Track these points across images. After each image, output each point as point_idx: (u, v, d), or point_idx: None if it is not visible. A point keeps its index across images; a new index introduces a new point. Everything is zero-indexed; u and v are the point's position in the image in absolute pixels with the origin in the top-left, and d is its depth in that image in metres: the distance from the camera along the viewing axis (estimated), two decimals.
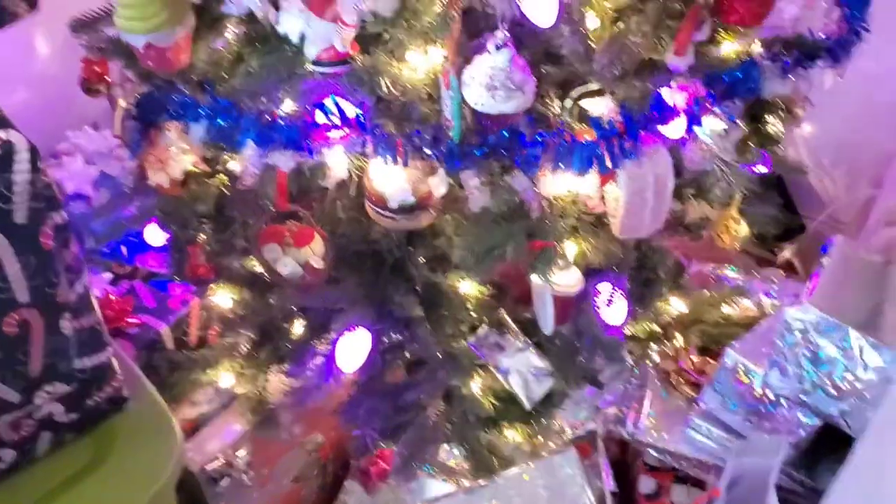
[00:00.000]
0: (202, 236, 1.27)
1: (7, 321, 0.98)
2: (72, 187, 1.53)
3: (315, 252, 1.13)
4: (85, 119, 1.65)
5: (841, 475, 1.05)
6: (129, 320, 1.42)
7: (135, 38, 1.00)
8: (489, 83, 0.94)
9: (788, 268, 1.92)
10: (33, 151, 0.92)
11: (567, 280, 1.18)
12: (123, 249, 1.49)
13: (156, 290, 1.49)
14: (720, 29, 1.15)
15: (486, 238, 1.06)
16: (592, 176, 1.07)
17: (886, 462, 0.94)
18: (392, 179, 1.04)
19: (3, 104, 1.74)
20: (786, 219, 1.82)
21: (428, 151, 1.00)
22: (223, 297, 1.40)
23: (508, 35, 0.93)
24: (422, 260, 1.29)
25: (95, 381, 1.15)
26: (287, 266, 1.11)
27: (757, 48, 1.21)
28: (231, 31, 1.04)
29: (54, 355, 1.06)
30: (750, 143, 1.28)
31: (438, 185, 1.05)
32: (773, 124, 1.29)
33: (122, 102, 1.22)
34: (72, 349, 1.09)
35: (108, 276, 1.50)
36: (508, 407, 1.35)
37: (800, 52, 1.19)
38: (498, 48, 0.93)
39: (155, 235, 1.37)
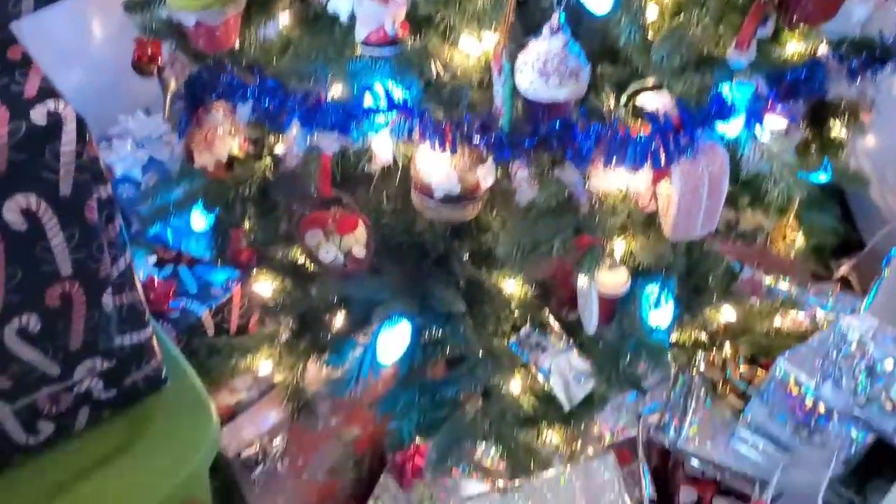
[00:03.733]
0: (246, 221, 1.26)
1: (50, 293, 0.99)
2: (121, 170, 1.55)
3: (358, 240, 1.12)
4: (137, 104, 1.67)
5: (893, 491, 1.00)
6: (171, 304, 1.43)
7: (185, 15, 1.00)
8: (542, 68, 0.91)
9: (844, 285, 1.85)
10: (81, 123, 0.92)
11: (614, 280, 1.15)
12: (169, 234, 1.49)
13: (199, 275, 1.49)
14: (785, 28, 1.11)
15: (532, 233, 1.03)
16: (645, 173, 1.04)
17: None
18: (438, 168, 1.02)
19: (56, 85, 1.77)
20: (844, 232, 1.76)
21: (476, 139, 0.98)
22: (264, 286, 1.39)
23: (564, 19, 0.90)
24: (466, 256, 1.27)
25: (135, 359, 1.16)
26: (329, 253, 1.09)
27: (823, 49, 1.16)
28: (283, 13, 1.03)
29: (95, 330, 1.07)
30: (812, 147, 1.24)
31: (486, 175, 1.03)
32: (837, 129, 1.24)
33: (172, 84, 1.22)
34: (112, 325, 1.09)
35: (152, 259, 1.51)
36: (547, 408, 1.32)
37: (868, 55, 1.14)
38: (553, 32, 0.91)
39: (200, 221, 1.37)
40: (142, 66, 1.29)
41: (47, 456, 1.15)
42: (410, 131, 0.99)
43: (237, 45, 1.07)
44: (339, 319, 1.34)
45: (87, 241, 0.98)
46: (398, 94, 1.00)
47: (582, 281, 1.10)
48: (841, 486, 1.22)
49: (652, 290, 1.19)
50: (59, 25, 1.48)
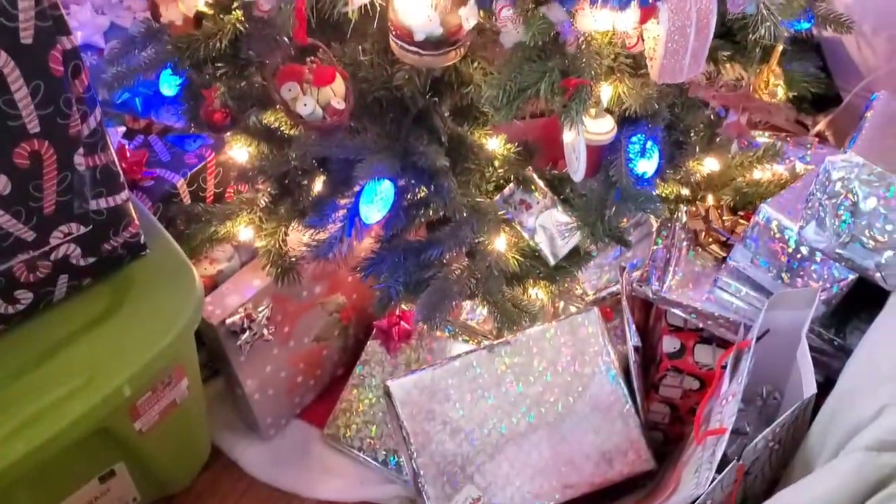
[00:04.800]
0: (217, 82, 1.21)
1: (18, 152, 0.95)
2: (81, 37, 1.47)
3: (336, 92, 1.08)
4: None
5: (874, 325, 1.02)
6: (144, 173, 1.39)
7: None
8: None
9: (821, 141, 1.86)
10: None
11: (600, 128, 1.13)
12: (137, 103, 1.44)
13: (171, 144, 1.45)
14: None
15: (519, 75, 1.00)
16: (632, 11, 1.00)
17: None
18: (418, 8, 0.98)
19: None
20: (822, 86, 1.75)
21: None
22: (239, 151, 1.36)
23: None
24: (447, 112, 1.24)
25: (112, 224, 1.13)
26: (307, 106, 1.06)
27: None
28: None
29: (68, 193, 1.04)
30: None
31: (468, 16, 0.99)
32: None
33: None
34: (86, 188, 1.06)
35: (121, 130, 1.46)
36: (533, 264, 1.32)
37: None
38: None
39: (169, 85, 1.32)
40: None
41: (30, 326, 1.14)
42: None
43: None
44: (318, 183, 1.32)
45: (53, 95, 0.94)
46: None
47: (569, 129, 1.08)
48: (822, 329, 1.25)
49: (638, 138, 1.17)
50: None
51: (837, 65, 1.92)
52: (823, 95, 1.82)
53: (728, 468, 1.01)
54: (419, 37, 1.00)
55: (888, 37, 1.85)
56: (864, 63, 1.90)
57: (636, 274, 1.40)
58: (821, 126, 1.84)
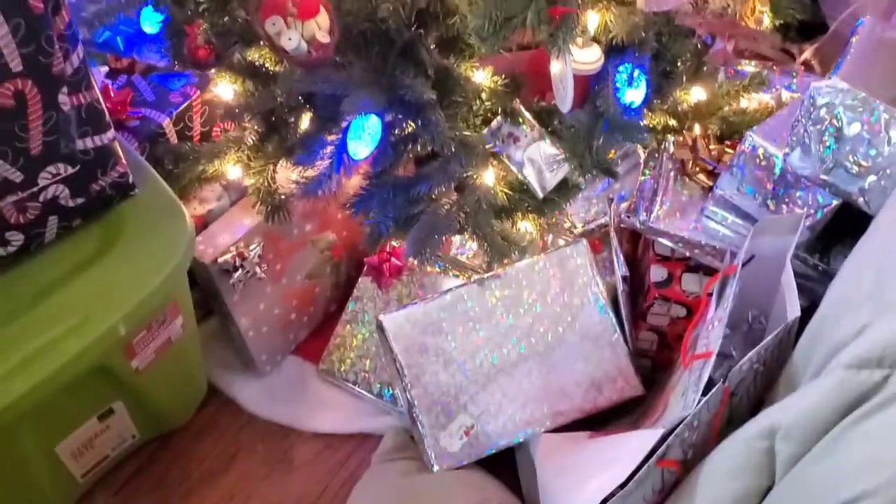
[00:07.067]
0: (200, 18, 1.20)
1: (2, 91, 0.94)
2: None
3: (321, 26, 1.07)
4: None
5: (857, 246, 1.04)
6: (129, 113, 1.38)
7: None
8: None
9: (807, 69, 1.85)
10: None
11: (587, 57, 1.12)
12: (119, 42, 1.42)
13: (155, 83, 1.44)
14: None
15: (505, 4, 1.00)
16: None
17: None
18: None
19: None
20: (808, 13, 1.74)
21: None
22: (225, 89, 1.35)
23: None
24: (433, 45, 1.23)
25: (99, 163, 1.13)
26: (292, 40, 1.05)
27: None
28: None
29: (54, 133, 1.03)
30: None
31: None
32: None
33: None
34: (72, 127, 1.06)
35: (104, 69, 1.44)
36: (522, 197, 1.33)
37: None
38: None
39: (151, 22, 1.30)
40: None
41: (22, 268, 1.14)
42: None
43: None
44: (305, 119, 1.31)
45: (34, 33, 0.93)
46: None
47: (556, 59, 1.08)
48: (806, 254, 1.27)
49: (625, 68, 1.17)
50: None
51: None
52: (810, 23, 1.82)
53: (714, 390, 1.03)
54: None
55: None
56: None
57: (624, 205, 1.41)
58: (807, 54, 1.83)
